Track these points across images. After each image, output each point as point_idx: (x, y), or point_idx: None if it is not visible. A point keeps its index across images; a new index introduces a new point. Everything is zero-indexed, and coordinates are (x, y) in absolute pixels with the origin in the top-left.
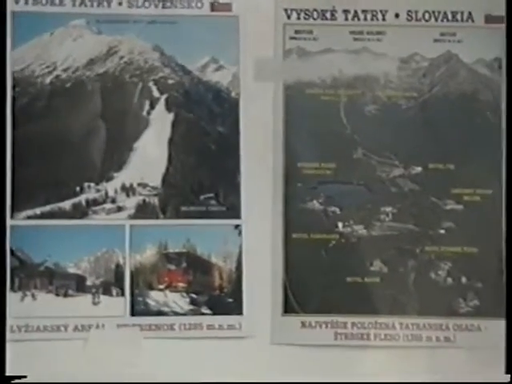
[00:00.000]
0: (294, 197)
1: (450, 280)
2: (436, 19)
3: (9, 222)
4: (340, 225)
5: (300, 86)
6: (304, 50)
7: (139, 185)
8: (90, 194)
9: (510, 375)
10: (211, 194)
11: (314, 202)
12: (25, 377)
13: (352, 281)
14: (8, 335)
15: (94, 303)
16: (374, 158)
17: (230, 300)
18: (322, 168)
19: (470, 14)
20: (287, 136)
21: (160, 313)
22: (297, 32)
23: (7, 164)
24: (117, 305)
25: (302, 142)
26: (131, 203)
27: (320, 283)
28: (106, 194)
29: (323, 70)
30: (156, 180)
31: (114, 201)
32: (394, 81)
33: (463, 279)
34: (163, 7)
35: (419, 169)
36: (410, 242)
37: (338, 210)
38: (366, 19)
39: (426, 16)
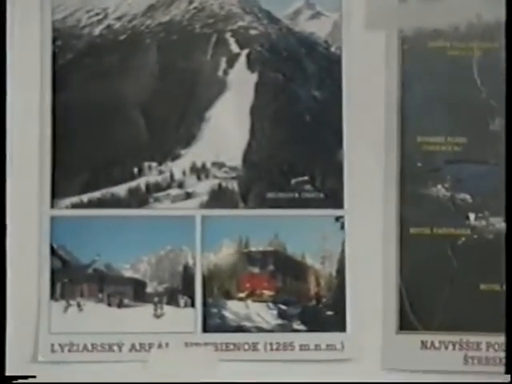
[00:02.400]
0: (412, 180)
1: None
2: None
3: (48, 212)
4: (472, 216)
5: (421, 37)
6: None
7: (214, 165)
8: (151, 176)
9: (509, 375)
10: (305, 177)
11: (439, 186)
12: (25, 377)
13: (487, 289)
14: (48, 355)
15: (156, 316)
16: None
17: (330, 313)
18: (448, 143)
19: None
20: (404, 102)
21: (240, 329)
22: None
23: (46, 139)
24: (185, 318)
25: (422, 109)
26: (203, 188)
27: (446, 292)
28: (172, 176)
29: (452, 15)
30: (235, 159)
31: (181, 185)
32: None
33: None
34: None
35: None
36: None
37: (469, 198)
38: None
39: None
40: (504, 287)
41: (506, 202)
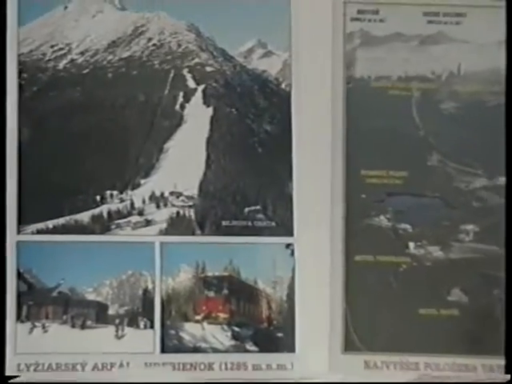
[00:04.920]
0: (356, 211)
1: None
2: None
3: (15, 237)
4: (411, 245)
5: (364, 77)
6: (368, 34)
7: (172, 194)
8: (113, 204)
9: (510, 375)
10: (258, 207)
11: (381, 217)
12: None
13: (425, 313)
14: (14, 374)
15: (118, 337)
16: (451, 165)
17: (280, 335)
18: (390, 177)
19: None
20: (349, 138)
21: (196, 349)
22: (360, 12)
23: (12, 168)
24: (145, 339)
25: (366, 145)
26: (162, 216)
27: (387, 315)
28: (132, 204)
29: (392, 59)
30: (192, 188)
31: (141, 213)
32: (477, 73)
33: None
34: None
35: (504, 179)
36: (494, 267)
37: (409, 228)
38: None
39: None
40: (441, 312)
41: (506, 204)
